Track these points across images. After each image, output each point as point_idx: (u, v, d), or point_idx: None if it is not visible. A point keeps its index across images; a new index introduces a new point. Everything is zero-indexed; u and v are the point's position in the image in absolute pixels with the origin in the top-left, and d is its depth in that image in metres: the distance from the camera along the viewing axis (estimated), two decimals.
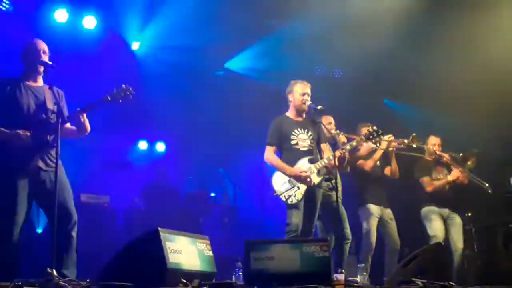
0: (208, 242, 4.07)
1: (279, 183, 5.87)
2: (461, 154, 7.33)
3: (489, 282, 7.48)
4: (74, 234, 4.60)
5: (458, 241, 7.28)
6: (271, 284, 3.62)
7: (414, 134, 7.22)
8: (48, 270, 3.75)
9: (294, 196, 5.77)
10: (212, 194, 10.14)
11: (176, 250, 3.59)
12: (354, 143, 6.06)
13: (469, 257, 8.67)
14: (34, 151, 4.57)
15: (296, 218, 5.73)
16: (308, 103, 5.97)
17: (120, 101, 4.98)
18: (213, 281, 3.89)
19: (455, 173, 7.22)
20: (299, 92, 6.01)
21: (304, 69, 8.87)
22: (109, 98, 4.96)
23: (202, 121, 9.26)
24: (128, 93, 5.02)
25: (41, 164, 4.58)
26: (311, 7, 7.91)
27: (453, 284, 4.21)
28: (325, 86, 8.96)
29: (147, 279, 3.38)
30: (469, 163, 7.38)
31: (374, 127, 6.02)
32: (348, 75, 9.54)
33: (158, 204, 8.73)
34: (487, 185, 7.18)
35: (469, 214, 9.19)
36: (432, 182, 7.29)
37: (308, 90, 6.03)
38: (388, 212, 7.10)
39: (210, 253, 4.03)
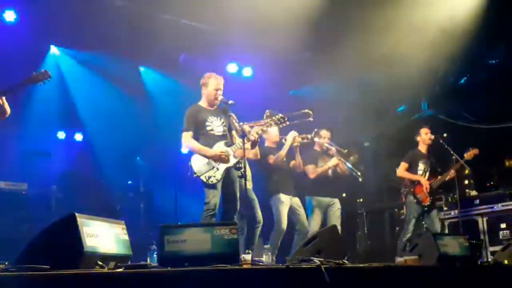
0: (124, 226, 3.98)
1: (199, 165, 5.87)
2: (346, 150, 7.63)
3: (377, 259, 7.84)
4: None
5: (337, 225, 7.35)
6: (184, 264, 3.60)
7: (316, 129, 7.43)
8: None
9: (214, 176, 5.82)
10: (129, 182, 9.97)
11: (92, 234, 3.49)
12: (264, 127, 6.19)
13: (360, 238, 9.04)
14: None
15: (214, 198, 5.77)
16: (220, 97, 5.99)
17: (39, 84, 4.98)
18: (129, 263, 3.81)
19: (334, 161, 7.48)
20: (213, 87, 6.04)
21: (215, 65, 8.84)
22: (28, 81, 4.94)
23: (119, 112, 9.06)
24: (47, 76, 5.03)
25: None
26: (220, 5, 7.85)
27: (346, 262, 4.34)
28: (237, 81, 9.03)
29: (65, 262, 3.27)
30: (352, 158, 7.75)
31: (281, 115, 6.14)
32: (258, 71, 9.62)
33: (75, 191, 8.48)
34: (359, 174, 7.49)
35: (361, 200, 9.57)
36: (316, 169, 7.50)
37: (221, 85, 6.06)
38: (297, 201, 7.27)
39: (126, 237, 3.94)
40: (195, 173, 5.84)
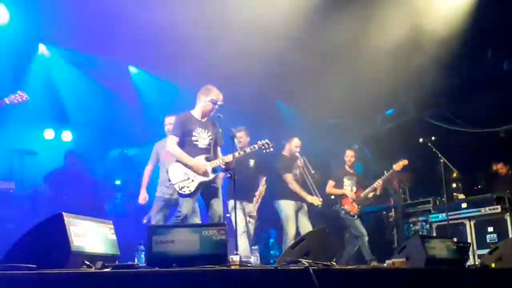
0: (112, 226, 3.96)
1: (176, 174, 5.93)
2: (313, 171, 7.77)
3: (365, 262, 7.87)
4: None
5: (306, 226, 7.64)
6: (171, 265, 3.59)
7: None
8: None
9: (188, 187, 5.87)
10: (117, 182, 9.91)
11: (79, 234, 3.47)
12: (248, 150, 6.25)
13: (348, 240, 9.04)
14: None
15: (186, 209, 5.84)
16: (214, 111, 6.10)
17: (16, 104, 5.58)
18: (116, 263, 3.79)
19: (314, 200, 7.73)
20: (213, 100, 6.06)
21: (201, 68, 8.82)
22: (6, 101, 5.54)
23: (107, 111, 9.03)
24: (24, 98, 5.65)
25: None
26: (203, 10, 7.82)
27: (334, 263, 4.35)
28: (228, 86, 9.00)
29: (52, 261, 3.25)
30: (315, 177, 7.94)
31: (267, 141, 6.19)
32: (247, 75, 9.61)
33: (63, 191, 8.42)
34: (318, 196, 7.69)
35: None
36: (293, 181, 7.78)
37: (220, 100, 6.07)
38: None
39: (114, 236, 3.92)
40: (171, 182, 5.94)
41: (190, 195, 5.86)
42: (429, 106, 9.51)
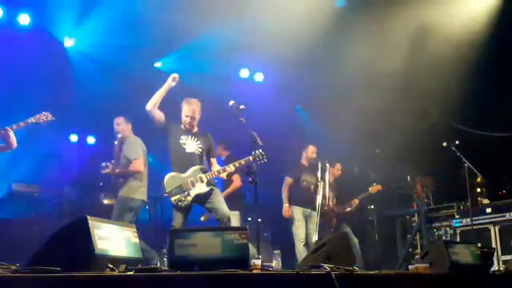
0: (135, 230, 4.00)
1: (171, 186, 6.05)
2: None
3: (388, 267, 7.80)
4: None
5: (312, 234, 7.76)
6: (193, 269, 3.60)
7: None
8: None
9: (184, 201, 6.00)
10: None
11: (103, 237, 3.51)
12: (243, 162, 6.26)
13: (371, 245, 8.98)
14: None
15: (178, 220, 5.99)
16: (194, 124, 6.29)
17: (41, 124, 5.95)
18: (139, 266, 3.82)
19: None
20: (184, 114, 6.26)
21: (228, 71, 8.89)
22: (32, 120, 5.90)
23: (130, 116, 9.07)
24: (49, 118, 6.01)
25: None
26: (235, 12, 7.88)
27: (357, 268, 4.32)
28: (248, 88, 9.03)
29: (76, 264, 3.29)
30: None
31: (261, 152, 6.11)
32: (269, 79, 9.63)
33: (87, 194, 8.51)
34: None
35: (372, 206, 9.53)
36: (286, 185, 8.20)
37: (192, 112, 6.23)
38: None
39: (137, 240, 3.96)
40: (166, 193, 6.04)
41: (184, 209, 6.00)
42: (454, 110, 9.39)
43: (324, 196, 7.88)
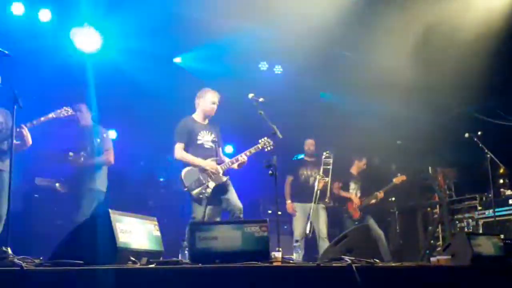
0: (156, 223, 4.03)
1: (190, 180, 6.18)
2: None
3: (409, 259, 7.77)
4: None
5: (323, 228, 7.96)
6: (214, 261, 3.63)
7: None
8: (3, 248, 3.68)
9: (204, 193, 6.10)
10: (161, 179, 10.04)
11: (125, 230, 3.55)
12: (252, 150, 6.36)
13: (392, 237, 8.95)
14: None
15: (200, 213, 6.05)
16: (214, 111, 6.43)
17: (62, 118, 5.92)
18: (161, 259, 3.86)
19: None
20: (210, 100, 6.41)
21: (247, 64, 8.88)
22: (53, 115, 5.86)
23: (151, 111, 9.12)
24: (70, 113, 5.99)
25: None
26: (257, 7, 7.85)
27: (377, 260, 4.31)
28: (267, 81, 9.01)
29: (98, 257, 3.33)
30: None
31: (268, 139, 6.22)
32: (288, 71, 9.59)
33: (109, 188, 8.58)
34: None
35: (393, 198, 9.48)
36: (287, 184, 8.28)
37: (217, 99, 6.42)
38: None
39: (158, 233, 4.00)
40: (186, 187, 6.16)
41: (203, 201, 6.08)
42: (475, 100, 9.28)
43: (324, 190, 7.92)
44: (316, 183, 7.92)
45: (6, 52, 4.50)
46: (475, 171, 8.36)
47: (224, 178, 6.22)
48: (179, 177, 6.25)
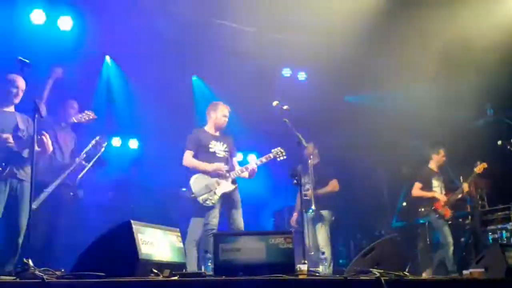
0: (179, 234, 4.04)
1: (197, 186, 6.33)
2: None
3: (440, 272, 7.65)
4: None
5: (320, 238, 7.66)
6: (238, 274, 3.61)
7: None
8: (24, 260, 3.71)
9: (211, 199, 6.25)
10: (183, 189, 10.06)
11: (147, 242, 3.56)
12: (264, 159, 6.55)
13: (422, 250, 8.81)
14: None
15: (213, 219, 6.21)
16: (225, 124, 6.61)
17: (84, 123, 6.05)
18: (183, 271, 3.86)
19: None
20: (222, 113, 6.60)
21: (271, 70, 8.90)
22: (74, 120, 5.99)
23: (174, 120, 9.18)
24: (91, 117, 6.09)
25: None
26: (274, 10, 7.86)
27: (407, 274, 4.25)
28: (291, 87, 9.01)
29: (120, 269, 3.35)
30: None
31: (281, 149, 6.49)
32: (311, 76, 9.58)
33: (130, 198, 8.63)
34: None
35: (423, 209, 9.34)
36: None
37: (228, 113, 6.63)
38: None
39: (181, 244, 4.01)
40: (193, 193, 6.30)
41: (213, 207, 6.22)
42: (509, 106, 9.14)
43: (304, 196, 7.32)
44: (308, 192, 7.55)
45: (27, 61, 4.57)
46: (509, 180, 8.20)
47: (233, 186, 6.37)
48: (188, 184, 6.41)
